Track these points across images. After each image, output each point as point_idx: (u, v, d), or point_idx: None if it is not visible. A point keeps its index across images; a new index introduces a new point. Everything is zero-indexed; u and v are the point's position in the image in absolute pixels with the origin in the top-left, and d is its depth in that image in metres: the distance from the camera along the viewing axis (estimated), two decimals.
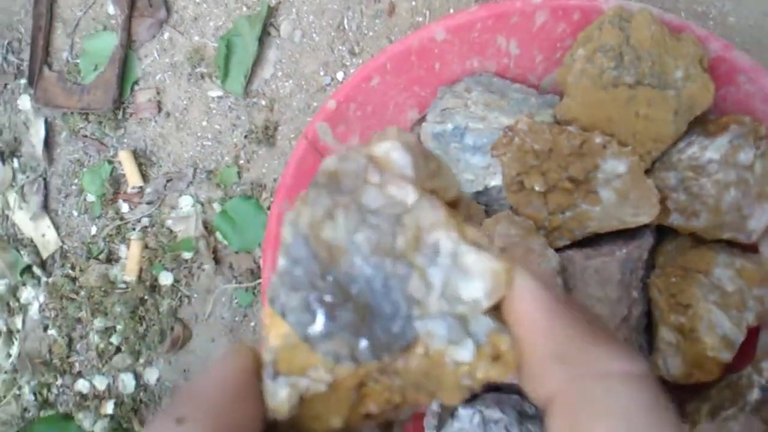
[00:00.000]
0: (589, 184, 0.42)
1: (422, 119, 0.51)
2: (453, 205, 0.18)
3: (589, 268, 0.43)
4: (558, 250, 0.45)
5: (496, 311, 0.16)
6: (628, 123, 0.41)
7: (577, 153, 0.42)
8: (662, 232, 0.46)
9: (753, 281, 0.42)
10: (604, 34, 0.41)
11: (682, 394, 0.45)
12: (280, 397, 0.16)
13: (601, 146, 0.41)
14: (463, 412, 0.47)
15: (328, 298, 0.15)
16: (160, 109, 0.69)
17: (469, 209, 0.15)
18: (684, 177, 0.41)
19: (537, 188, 0.43)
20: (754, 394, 0.40)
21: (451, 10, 0.57)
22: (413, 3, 0.58)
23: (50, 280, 0.75)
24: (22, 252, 0.75)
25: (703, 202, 0.41)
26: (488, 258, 0.16)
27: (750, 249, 0.44)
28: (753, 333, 0.44)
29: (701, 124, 0.41)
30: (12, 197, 0.76)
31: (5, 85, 0.77)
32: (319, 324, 0.15)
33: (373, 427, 0.18)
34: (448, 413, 0.48)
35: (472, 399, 0.48)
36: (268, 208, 0.63)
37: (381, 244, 0.16)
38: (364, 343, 0.16)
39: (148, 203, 0.70)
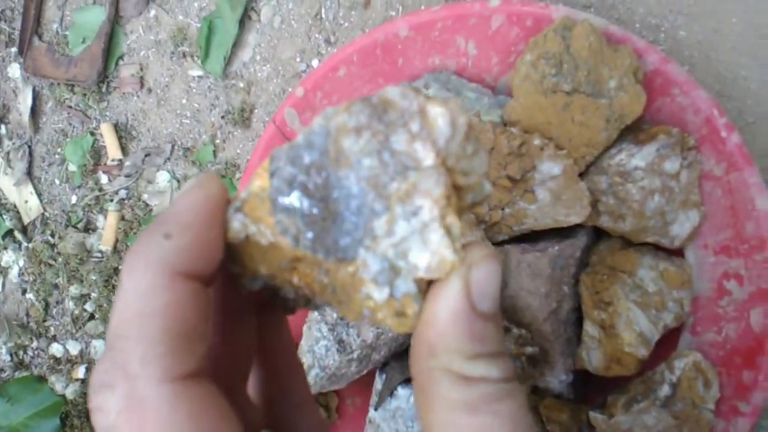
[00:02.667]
0: (526, 183, 0.46)
1: None
2: (460, 189, 0.19)
3: (523, 262, 0.47)
4: (497, 244, 0.49)
5: (425, 284, 0.18)
6: (565, 128, 0.45)
7: (516, 153, 0.46)
8: (599, 233, 0.50)
9: (674, 284, 0.46)
10: (548, 42, 0.45)
11: (606, 386, 0.50)
12: (233, 226, 0.19)
13: (539, 148, 0.46)
14: (402, 392, 0.52)
15: (311, 186, 0.18)
16: (142, 85, 0.74)
17: (478, 202, 0.20)
18: (612, 182, 0.45)
19: None
20: (664, 390, 0.44)
21: (423, 6, 0.61)
22: None
23: (30, 245, 0.80)
24: (4, 216, 0.80)
25: (628, 206, 0.45)
26: (447, 246, 0.17)
27: (677, 254, 0.48)
28: (675, 333, 0.49)
29: (633, 133, 0.45)
30: None
31: None
32: (290, 199, 0.18)
33: (296, 294, 0.21)
34: (387, 392, 0.52)
35: (411, 380, 0.53)
36: (238, 189, 0.68)
37: (379, 178, 0.18)
38: (309, 234, 0.18)
39: (127, 176, 0.74)
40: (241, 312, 0.23)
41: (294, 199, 0.18)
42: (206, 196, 0.19)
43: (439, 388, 0.17)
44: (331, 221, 0.18)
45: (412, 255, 0.18)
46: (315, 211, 0.18)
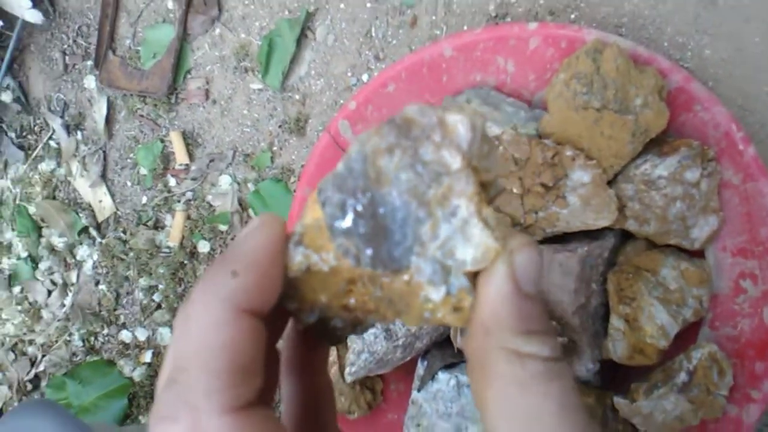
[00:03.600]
0: (558, 190, 0.52)
1: None
2: (485, 185, 0.21)
3: (554, 261, 0.53)
4: None
5: (474, 276, 0.20)
6: (595, 140, 0.51)
7: (549, 163, 0.51)
8: (626, 235, 0.55)
9: (693, 282, 0.51)
10: (580, 63, 0.51)
11: (630, 375, 0.55)
12: (295, 260, 0.21)
13: (570, 158, 0.51)
14: (442, 376, 0.58)
15: (359, 207, 0.20)
16: (207, 97, 0.81)
17: (497, 195, 0.22)
18: (638, 189, 0.51)
19: (515, 191, 0.53)
20: (682, 377, 0.49)
21: (465, 27, 0.67)
22: (433, 17, 0.69)
23: (104, 241, 0.88)
24: (80, 215, 0.89)
25: (652, 211, 0.50)
26: (488, 236, 0.19)
27: (698, 255, 0.53)
28: (695, 327, 0.54)
29: (657, 145, 0.51)
30: (75, 166, 0.90)
31: (74, 65, 0.91)
32: (345, 222, 0.20)
33: (343, 320, 0.22)
34: (429, 376, 0.59)
35: (450, 366, 0.59)
36: (294, 191, 0.75)
37: (417, 188, 0.20)
38: (369, 251, 0.20)
39: (193, 179, 0.82)
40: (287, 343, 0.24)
41: (349, 221, 0.20)
42: (269, 235, 0.20)
43: (494, 365, 0.19)
44: (383, 236, 0.20)
45: (459, 252, 0.20)
46: (368, 229, 0.20)
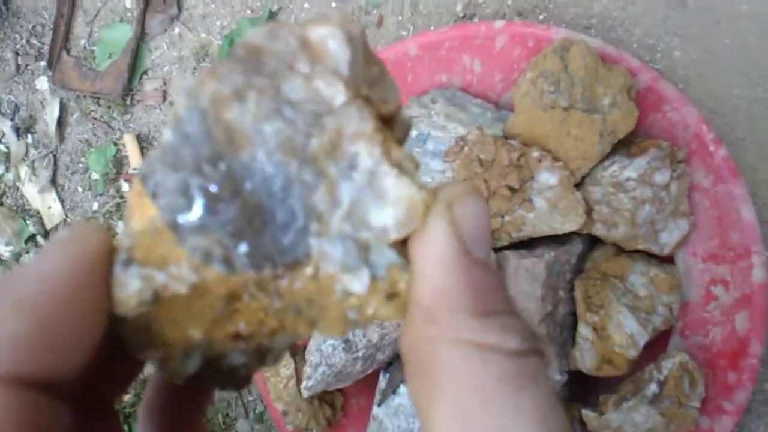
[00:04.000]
0: (525, 192, 0.50)
1: None
2: (387, 121, 0.16)
3: (520, 267, 0.51)
4: (497, 249, 0.53)
5: (402, 245, 0.15)
6: (562, 141, 0.49)
7: (515, 164, 0.49)
8: (594, 241, 0.53)
9: (663, 289, 0.49)
10: (547, 62, 0.49)
11: (600, 387, 0.53)
12: (129, 288, 0.14)
13: (537, 160, 0.49)
14: (404, 389, 0.55)
15: (213, 187, 0.14)
16: (164, 98, 0.78)
17: (404, 132, 0.16)
18: (606, 192, 0.49)
19: None
20: (652, 388, 0.47)
21: (432, 27, 0.65)
22: (400, 17, 0.67)
23: None
24: (28, 222, 0.85)
25: (620, 215, 0.49)
26: (408, 184, 0.14)
27: (668, 261, 0.52)
28: (666, 336, 0.52)
29: (626, 146, 0.49)
30: (23, 170, 0.86)
31: (26, 65, 0.87)
32: (194, 213, 0.14)
33: (242, 352, 0.16)
34: (390, 390, 0.56)
35: None
36: None
37: (292, 141, 0.14)
38: (243, 248, 0.14)
39: None
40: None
41: (199, 210, 0.14)
42: (72, 255, 0.14)
43: (442, 366, 0.13)
44: (260, 220, 0.14)
45: (373, 217, 0.14)
46: (234, 214, 0.14)
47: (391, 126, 0.16)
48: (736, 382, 0.47)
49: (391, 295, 0.15)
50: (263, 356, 0.17)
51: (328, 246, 0.14)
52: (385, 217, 0.14)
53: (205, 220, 0.14)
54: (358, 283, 0.14)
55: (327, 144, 0.14)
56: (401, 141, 0.16)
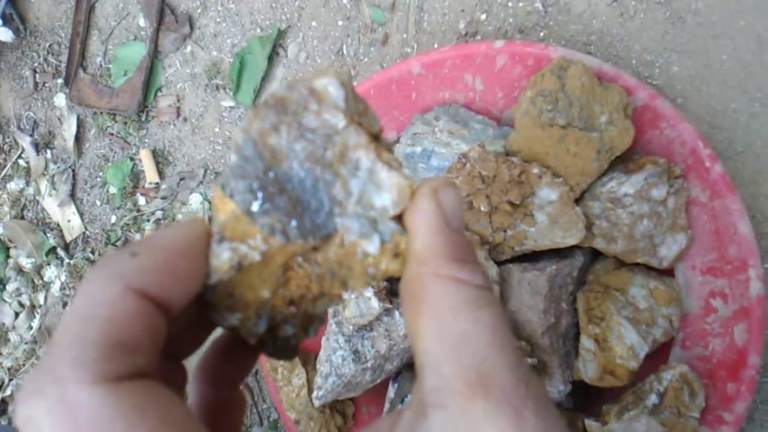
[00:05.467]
0: (526, 207, 0.52)
1: (397, 141, 0.61)
2: (375, 138, 0.21)
3: (523, 280, 0.52)
4: (500, 263, 0.54)
5: (398, 219, 0.21)
6: (561, 158, 0.51)
7: (516, 180, 0.51)
8: (596, 254, 0.55)
9: (663, 301, 0.50)
10: (545, 81, 0.51)
11: (603, 397, 0.54)
12: (222, 257, 0.20)
13: (537, 176, 0.51)
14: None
15: (268, 187, 0.20)
16: (178, 114, 0.81)
17: (391, 145, 0.21)
18: (605, 207, 0.50)
19: (483, 208, 0.53)
20: (652, 399, 0.49)
21: (436, 45, 0.67)
22: (404, 35, 0.69)
23: (72, 261, 0.87)
24: (48, 235, 0.88)
25: (619, 229, 0.50)
26: (397, 176, 0.20)
27: (668, 273, 0.53)
28: (667, 347, 0.53)
29: (623, 162, 0.50)
30: (43, 185, 0.89)
31: (44, 83, 0.90)
32: (259, 203, 0.20)
33: (292, 325, 0.22)
34: (399, 399, 0.58)
35: None
36: None
37: (314, 154, 0.20)
38: (293, 223, 0.20)
39: (163, 198, 0.81)
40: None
41: (260, 200, 0.20)
42: (185, 228, 0.20)
43: (428, 292, 0.19)
44: (301, 207, 0.20)
45: (376, 200, 0.20)
46: (284, 203, 0.20)
47: (379, 140, 0.22)
48: (736, 393, 0.48)
49: (396, 254, 0.21)
50: (306, 328, 0.22)
51: (348, 222, 0.20)
52: (384, 199, 0.20)
53: (267, 207, 0.20)
54: (372, 246, 0.20)
55: (338, 153, 0.20)
56: (389, 148, 0.22)
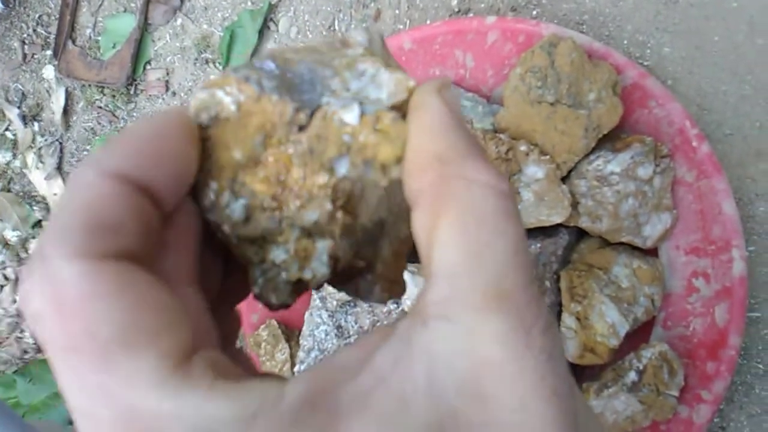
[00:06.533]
0: (512, 185, 0.51)
1: None
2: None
3: None
4: None
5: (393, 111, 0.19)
6: (549, 135, 0.50)
7: (503, 158, 0.51)
8: (582, 233, 0.55)
9: (646, 280, 0.50)
10: (535, 57, 0.50)
11: (584, 376, 0.54)
12: (198, 97, 0.19)
13: (524, 153, 0.51)
14: None
15: (266, 75, 0.19)
16: (167, 88, 0.80)
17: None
18: (591, 185, 0.50)
19: None
20: (631, 376, 0.49)
21: (428, 21, 0.66)
22: (396, 11, 0.68)
23: None
24: (34, 207, 0.87)
25: (604, 208, 0.50)
26: (399, 74, 0.19)
27: (652, 253, 0.53)
28: (649, 327, 0.53)
29: (611, 141, 0.50)
30: (30, 157, 0.88)
31: (33, 54, 0.89)
32: (246, 72, 0.19)
33: (288, 251, 0.20)
34: None
35: None
36: None
37: (323, 60, 0.19)
38: (271, 83, 0.19)
39: None
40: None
41: (256, 76, 0.19)
42: (163, 115, 0.19)
43: (452, 195, 0.17)
44: (290, 86, 0.19)
45: (372, 94, 0.19)
46: (274, 82, 0.19)
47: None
48: (715, 372, 0.49)
49: (380, 130, 0.19)
50: (302, 266, 0.20)
51: (334, 99, 0.19)
52: (381, 93, 0.19)
53: (251, 74, 0.19)
54: (350, 116, 0.19)
55: (345, 63, 0.19)
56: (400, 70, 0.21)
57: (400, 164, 0.19)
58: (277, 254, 0.20)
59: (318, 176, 0.19)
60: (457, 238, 0.17)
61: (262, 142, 0.19)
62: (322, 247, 0.20)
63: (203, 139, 0.19)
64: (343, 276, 0.21)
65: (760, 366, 0.55)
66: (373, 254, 0.21)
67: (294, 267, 0.20)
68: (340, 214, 0.20)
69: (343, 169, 0.20)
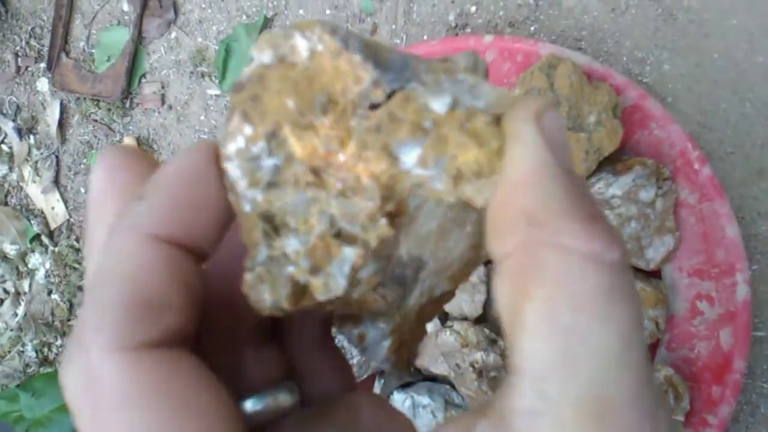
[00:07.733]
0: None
1: None
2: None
3: None
4: (485, 263, 0.53)
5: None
6: None
7: None
8: None
9: (649, 302, 0.50)
10: (534, 79, 0.49)
11: None
12: (271, 32, 0.16)
13: None
14: (397, 396, 0.56)
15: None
16: (163, 102, 0.79)
17: None
18: None
19: None
20: None
21: (425, 36, 0.65)
22: (393, 26, 0.67)
23: (56, 249, 0.85)
24: (32, 222, 0.86)
25: None
26: (502, 89, 0.16)
27: (655, 275, 0.52)
28: (653, 349, 0.52)
29: (612, 163, 0.49)
30: (27, 171, 0.87)
31: (27, 67, 0.87)
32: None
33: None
34: (384, 395, 0.57)
35: (406, 386, 0.57)
36: None
37: (419, 58, 0.16)
38: (359, 44, 0.16)
39: None
40: None
41: (344, 32, 0.16)
42: (189, 155, 0.16)
43: (543, 267, 0.14)
44: (378, 59, 0.16)
45: (468, 101, 0.16)
46: (364, 44, 0.16)
47: None
48: (720, 397, 0.48)
49: (471, 131, 0.15)
50: (318, 265, 0.16)
51: (422, 87, 0.16)
52: (478, 102, 0.16)
53: (343, 29, 0.16)
54: (438, 104, 0.15)
55: (443, 68, 0.16)
56: None
57: (476, 184, 0.15)
58: (291, 243, 0.16)
59: (376, 161, 0.16)
60: (546, 328, 0.13)
61: (324, 103, 0.16)
62: (348, 253, 0.16)
63: (255, 77, 0.16)
64: (352, 310, 0.17)
65: (765, 386, 0.54)
66: (397, 299, 0.17)
67: (305, 264, 0.16)
68: (383, 221, 0.16)
69: (408, 159, 0.16)
